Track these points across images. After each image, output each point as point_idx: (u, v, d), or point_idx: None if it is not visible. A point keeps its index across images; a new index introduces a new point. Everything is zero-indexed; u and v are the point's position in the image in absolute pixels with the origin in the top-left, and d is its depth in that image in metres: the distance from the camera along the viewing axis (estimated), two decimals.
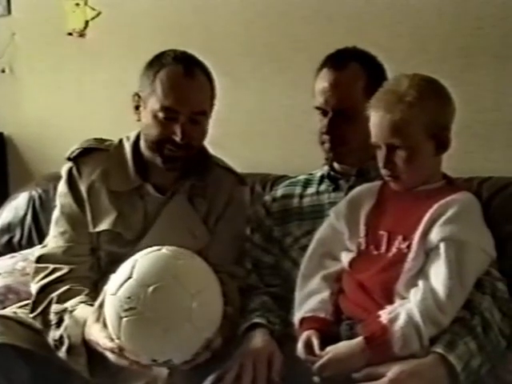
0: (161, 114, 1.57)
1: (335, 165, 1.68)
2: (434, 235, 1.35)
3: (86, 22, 2.59)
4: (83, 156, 1.68)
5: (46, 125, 2.68)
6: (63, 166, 1.71)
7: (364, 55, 1.64)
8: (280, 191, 1.75)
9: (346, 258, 1.46)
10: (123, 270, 1.33)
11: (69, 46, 2.62)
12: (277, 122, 2.26)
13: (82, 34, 2.60)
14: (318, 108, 1.63)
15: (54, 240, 1.65)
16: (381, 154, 1.41)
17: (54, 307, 1.52)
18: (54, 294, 1.54)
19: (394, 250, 1.38)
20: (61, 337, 1.48)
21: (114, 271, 1.41)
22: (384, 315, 1.31)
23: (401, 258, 1.36)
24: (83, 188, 1.65)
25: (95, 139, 1.73)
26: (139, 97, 1.63)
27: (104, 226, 1.61)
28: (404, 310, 1.31)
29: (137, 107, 1.64)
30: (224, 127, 2.34)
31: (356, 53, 1.64)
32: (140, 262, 1.30)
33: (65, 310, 1.50)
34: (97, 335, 1.39)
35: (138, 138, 1.68)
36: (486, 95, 1.91)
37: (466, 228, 1.35)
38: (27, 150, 2.74)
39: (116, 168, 1.65)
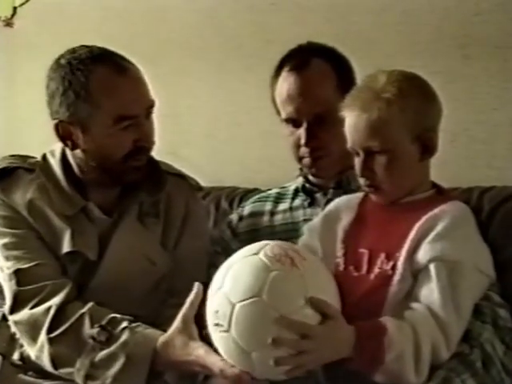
0: (118, 126, 1.57)
1: (310, 176, 1.71)
2: (423, 254, 1.37)
3: (14, 9, 2.58)
4: (4, 178, 1.65)
5: None
6: None
7: (323, 48, 1.69)
8: (247, 208, 1.78)
9: None
10: (219, 274, 1.35)
11: None
12: (245, 128, 2.29)
13: (9, 23, 2.60)
14: (287, 120, 1.65)
15: (21, 262, 1.59)
16: (358, 161, 1.44)
17: (103, 323, 1.49)
18: (83, 311, 1.52)
19: (376, 270, 1.41)
20: (111, 355, 1.47)
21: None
22: (384, 318, 1.33)
23: (385, 280, 1.39)
24: (22, 209, 1.63)
25: (13, 156, 1.71)
26: (69, 124, 1.59)
27: (65, 247, 1.60)
28: (406, 320, 1.33)
29: (63, 137, 1.61)
30: (184, 134, 2.38)
31: (313, 48, 1.69)
32: (233, 270, 1.33)
33: (115, 325, 1.49)
34: (209, 358, 1.37)
35: (63, 152, 1.67)
36: (486, 92, 1.94)
37: (458, 245, 1.37)
38: None
39: (52, 188, 1.64)
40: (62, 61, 1.60)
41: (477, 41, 1.95)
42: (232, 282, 1.31)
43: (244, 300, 1.28)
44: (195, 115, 2.35)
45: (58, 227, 1.61)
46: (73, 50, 1.62)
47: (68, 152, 1.66)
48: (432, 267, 1.36)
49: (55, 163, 1.68)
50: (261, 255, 1.32)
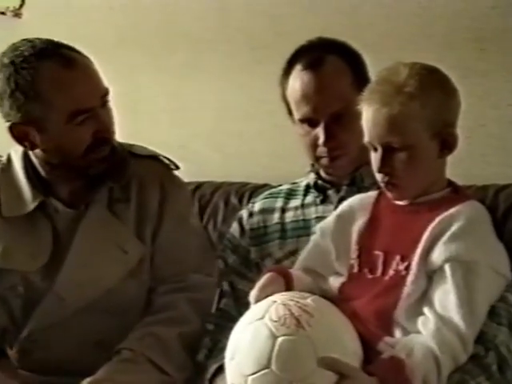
0: (74, 122, 1.55)
1: (322, 173, 1.70)
2: (437, 255, 1.37)
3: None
4: None
5: None
6: None
7: (335, 44, 1.68)
8: (258, 205, 1.77)
9: (335, 283, 1.47)
10: (230, 343, 1.35)
11: (1, 28, 2.59)
12: (255, 121, 2.28)
13: (17, 14, 2.58)
14: (302, 120, 1.64)
15: None
16: (376, 156, 1.43)
17: None
18: None
19: (391, 272, 1.41)
20: None
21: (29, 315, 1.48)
22: (396, 350, 1.32)
23: (399, 281, 1.39)
24: None
25: None
26: (23, 125, 1.56)
27: None
28: (418, 342, 1.32)
29: (20, 138, 1.59)
30: (193, 128, 2.37)
31: (326, 44, 1.67)
32: (241, 340, 1.32)
33: None
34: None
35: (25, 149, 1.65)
36: (502, 87, 1.94)
37: (474, 245, 1.37)
38: None
39: (7, 190, 1.64)
40: (5, 60, 1.56)
41: (493, 34, 1.95)
42: (241, 353, 1.31)
43: (255, 373, 1.27)
44: (204, 108, 2.34)
45: None
46: (15, 48, 1.58)
47: (40, 160, 1.64)
48: (447, 267, 1.36)
49: (17, 161, 1.66)
50: (266, 320, 1.30)
